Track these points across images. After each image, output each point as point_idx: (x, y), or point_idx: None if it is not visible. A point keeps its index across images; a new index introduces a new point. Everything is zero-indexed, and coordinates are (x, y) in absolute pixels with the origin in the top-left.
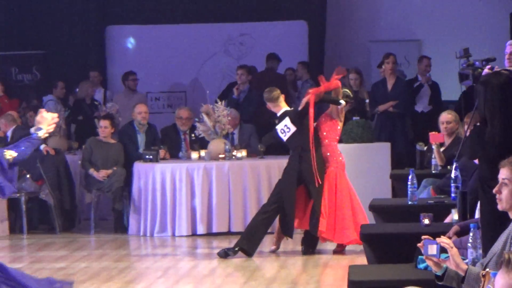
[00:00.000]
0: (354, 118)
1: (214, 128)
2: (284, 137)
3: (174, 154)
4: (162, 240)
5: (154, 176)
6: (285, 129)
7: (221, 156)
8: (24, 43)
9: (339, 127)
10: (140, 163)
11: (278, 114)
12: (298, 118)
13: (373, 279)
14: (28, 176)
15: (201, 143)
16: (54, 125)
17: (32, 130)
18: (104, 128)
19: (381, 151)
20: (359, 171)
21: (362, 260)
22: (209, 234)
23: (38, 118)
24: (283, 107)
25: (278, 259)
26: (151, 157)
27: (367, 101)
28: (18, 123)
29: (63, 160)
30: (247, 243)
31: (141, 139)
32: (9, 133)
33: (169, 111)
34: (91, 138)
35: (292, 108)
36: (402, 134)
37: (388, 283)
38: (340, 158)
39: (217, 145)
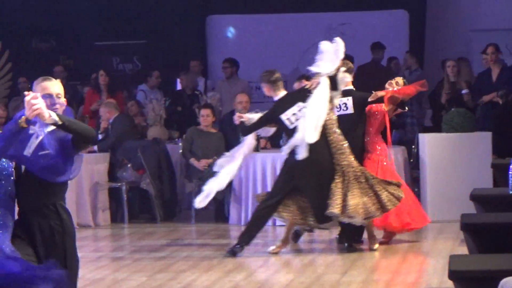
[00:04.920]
0: (453, 109)
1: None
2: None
3: (275, 143)
4: (263, 230)
5: (255, 166)
6: (342, 106)
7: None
8: (125, 33)
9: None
10: None
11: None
12: (362, 105)
13: (474, 269)
14: (129, 165)
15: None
16: (36, 108)
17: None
18: (206, 116)
19: (482, 140)
20: (460, 161)
21: (463, 249)
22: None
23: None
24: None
25: (378, 248)
26: None
27: (464, 91)
28: (119, 111)
29: (164, 149)
30: None
31: None
32: (111, 121)
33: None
34: (192, 127)
35: (357, 91)
36: (509, 124)
37: (489, 273)
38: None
39: None
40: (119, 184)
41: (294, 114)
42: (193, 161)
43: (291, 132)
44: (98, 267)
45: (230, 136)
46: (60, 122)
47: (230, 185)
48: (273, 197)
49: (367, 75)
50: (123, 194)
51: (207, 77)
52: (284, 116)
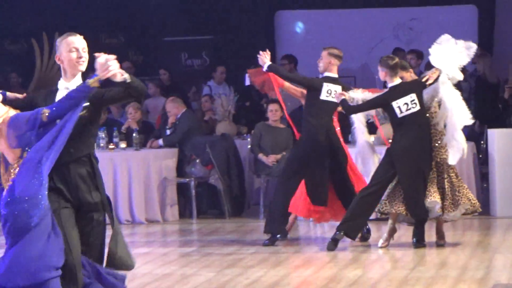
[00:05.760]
0: None
1: (383, 113)
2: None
3: (344, 138)
4: (332, 225)
5: None
6: (332, 92)
7: (390, 141)
8: (193, 29)
9: None
10: None
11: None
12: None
13: None
14: (197, 161)
15: (370, 128)
16: (112, 70)
17: None
18: (274, 111)
19: None
20: None
21: None
22: (378, 219)
23: (95, 65)
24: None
25: (446, 244)
26: None
27: None
28: (186, 107)
29: (232, 145)
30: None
31: None
32: (178, 116)
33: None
34: (261, 123)
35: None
36: None
37: None
38: None
39: (386, 130)
40: (187, 179)
41: (405, 104)
42: (261, 156)
43: (397, 121)
44: (167, 263)
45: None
46: (129, 80)
47: None
48: (374, 186)
49: None
50: (192, 190)
51: None
52: (395, 104)
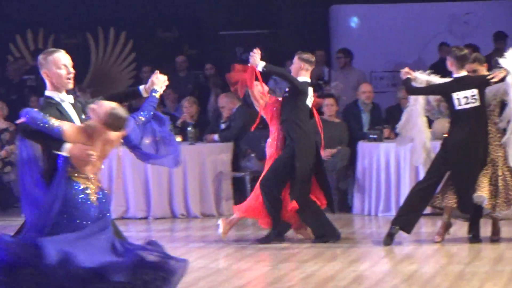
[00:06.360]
0: None
1: (438, 107)
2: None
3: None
4: (387, 220)
5: (379, 156)
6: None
7: (445, 135)
8: (248, 23)
9: None
10: (365, 143)
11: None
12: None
13: None
14: (253, 155)
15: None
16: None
17: (141, 89)
18: (330, 105)
19: None
20: None
21: None
22: (434, 214)
23: (153, 78)
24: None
25: (502, 240)
26: (375, 136)
27: None
28: (241, 102)
29: None
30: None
31: (365, 118)
32: (234, 110)
33: (393, 91)
34: None
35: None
36: None
37: None
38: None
39: (441, 124)
40: (242, 173)
41: (465, 97)
42: None
43: (454, 113)
44: (221, 257)
45: (353, 126)
46: None
47: (353, 175)
48: (429, 179)
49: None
50: (247, 184)
51: (331, 66)
52: (455, 95)
